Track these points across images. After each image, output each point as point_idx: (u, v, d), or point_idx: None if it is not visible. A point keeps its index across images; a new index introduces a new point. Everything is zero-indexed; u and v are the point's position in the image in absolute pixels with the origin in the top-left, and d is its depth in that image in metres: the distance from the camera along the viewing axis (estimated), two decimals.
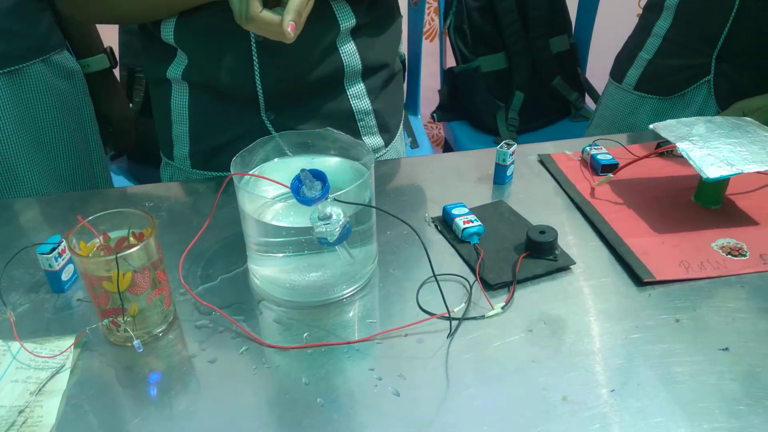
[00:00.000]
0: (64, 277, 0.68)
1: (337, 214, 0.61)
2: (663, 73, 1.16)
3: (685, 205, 0.81)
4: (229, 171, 0.63)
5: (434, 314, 0.64)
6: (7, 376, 0.58)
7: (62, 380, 0.58)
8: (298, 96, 0.87)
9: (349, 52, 0.86)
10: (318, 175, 0.59)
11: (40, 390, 0.57)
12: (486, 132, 1.88)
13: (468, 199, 0.83)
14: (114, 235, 0.62)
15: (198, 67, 0.85)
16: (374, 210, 0.67)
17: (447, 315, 0.63)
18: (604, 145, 0.92)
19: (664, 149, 0.84)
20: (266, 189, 0.68)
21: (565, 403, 0.55)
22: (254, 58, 0.82)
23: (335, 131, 0.70)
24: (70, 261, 0.69)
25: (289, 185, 0.63)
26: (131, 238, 0.62)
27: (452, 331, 0.62)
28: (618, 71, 1.28)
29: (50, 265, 0.67)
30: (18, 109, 1.00)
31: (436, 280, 0.64)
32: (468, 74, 1.89)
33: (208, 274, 0.72)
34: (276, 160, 0.71)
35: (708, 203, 0.80)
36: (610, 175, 0.83)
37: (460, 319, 0.64)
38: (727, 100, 1.08)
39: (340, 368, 0.60)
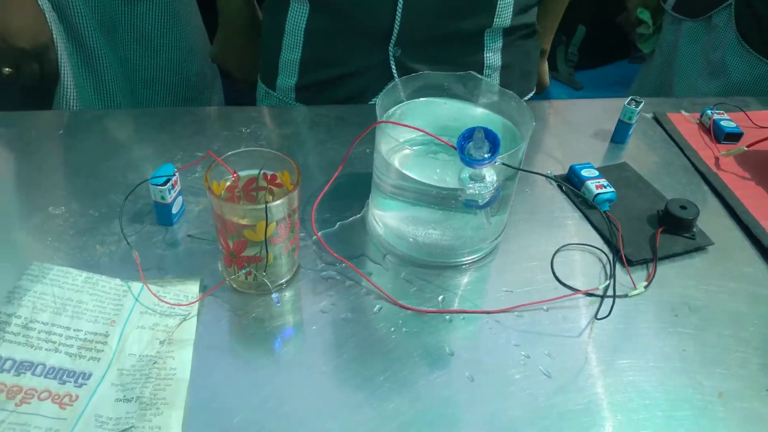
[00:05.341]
0: (174, 210, 0.62)
1: (491, 175, 0.56)
2: None
3: None
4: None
5: (578, 290, 0.60)
6: (132, 321, 0.53)
7: (190, 330, 0.54)
8: (433, 35, 0.78)
9: (505, 3, 0.79)
10: (488, 135, 0.53)
11: (168, 339, 0.52)
12: None
13: (585, 157, 0.78)
14: (243, 174, 0.56)
15: None
16: (517, 177, 0.62)
17: (591, 292, 0.60)
18: (724, 110, 0.86)
19: None
20: (406, 130, 0.62)
21: (721, 400, 0.53)
22: None
23: (478, 76, 0.63)
24: (180, 193, 0.63)
25: (434, 133, 0.57)
26: (261, 180, 0.57)
27: (604, 311, 0.59)
28: None
29: (162, 197, 0.61)
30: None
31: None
32: None
33: (325, 219, 0.66)
34: (421, 99, 0.64)
35: None
36: (744, 147, 0.78)
37: (603, 297, 0.60)
38: (746, 25, 1.09)
39: (484, 340, 0.56)
